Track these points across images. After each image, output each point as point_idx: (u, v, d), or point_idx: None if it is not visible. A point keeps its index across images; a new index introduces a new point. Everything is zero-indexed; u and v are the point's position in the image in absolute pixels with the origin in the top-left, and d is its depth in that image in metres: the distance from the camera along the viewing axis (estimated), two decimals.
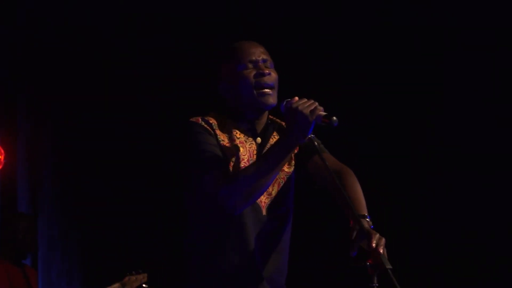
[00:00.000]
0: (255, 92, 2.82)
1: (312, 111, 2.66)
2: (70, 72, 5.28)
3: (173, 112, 4.93)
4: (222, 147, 2.78)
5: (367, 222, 2.65)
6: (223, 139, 2.81)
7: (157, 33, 5.39)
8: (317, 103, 2.69)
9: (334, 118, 2.65)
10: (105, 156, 5.33)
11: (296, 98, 2.71)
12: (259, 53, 2.87)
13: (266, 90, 2.82)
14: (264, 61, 2.87)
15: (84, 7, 5.21)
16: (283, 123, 2.93)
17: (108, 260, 5.37)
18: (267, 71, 2.84)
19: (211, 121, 2.83)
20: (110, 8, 5.24)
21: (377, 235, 2.53)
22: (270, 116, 2.94)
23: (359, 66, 5.45)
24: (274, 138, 2.92)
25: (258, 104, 2.83)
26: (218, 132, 2.82)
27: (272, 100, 2.84)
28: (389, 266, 2.40)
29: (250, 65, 2.85)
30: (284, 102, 2.74)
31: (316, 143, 2.72)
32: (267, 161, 2.69)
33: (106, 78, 5.30)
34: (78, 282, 5.53)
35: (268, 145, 2.87)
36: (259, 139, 2.87)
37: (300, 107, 2.66)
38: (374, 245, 2.48)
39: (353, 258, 2.54)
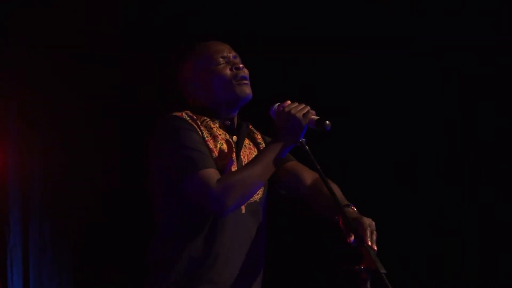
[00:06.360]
0: (233, 82, 2.82)
1: (305, 115, 2.68)
2: (61, 74, 5.25)
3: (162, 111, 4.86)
4: (207, 144, 2.76)
5: (353, 209, 2.65)
6: (207, 135, 2.79)
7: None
8: (309, 107, 2.70)
9: (327, 122, 2.66)
10: (97, 161, 5.31)
11: (288, 101, 2.72)
12: (228, 50, 2.91)
13: (244, 81, 2.84)
14: (235, 57, 2.90)
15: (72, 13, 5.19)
16: (251, 126, 2.95)
17: (100, 263, 5.35)
18: (242, 66, 2.86)
19: (194, 117, 2.81)
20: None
21: (368, 220, 2.54)
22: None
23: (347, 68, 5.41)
24: (253, 137, 2.95)
25: (236, 95, 2.83)
26: (202, 127, 2.79)
27: (249, 91, 2.85)
28: (383, 271, 2.40)
29: (222, 61, 2.87)
30: (275, 106, 2.75)
31: (307, 148, 2.71)
32: (259, 165, 2.69)
33: (97, 84, 5.28)
34: (70, 284, 5.51)
35: (244, 144, 2.87)
36: (235, 137, 2.87)
37: (293, 111, 2.68)
38: (365, 227, 2.50)
39: (347, 262, 2.53)
